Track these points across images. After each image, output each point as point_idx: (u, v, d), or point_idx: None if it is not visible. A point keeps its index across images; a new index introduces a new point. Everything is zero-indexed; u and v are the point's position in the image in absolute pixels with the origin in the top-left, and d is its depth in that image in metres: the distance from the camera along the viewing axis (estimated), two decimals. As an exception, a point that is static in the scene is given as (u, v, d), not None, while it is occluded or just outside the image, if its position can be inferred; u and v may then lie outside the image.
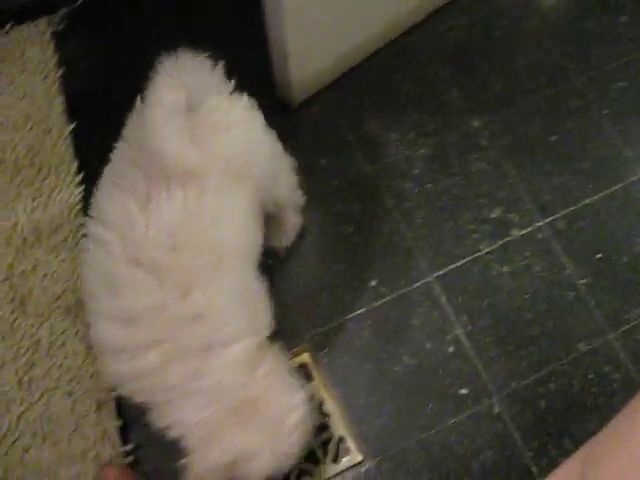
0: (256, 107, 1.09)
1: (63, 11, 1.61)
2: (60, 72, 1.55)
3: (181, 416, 0.95)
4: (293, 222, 1.35)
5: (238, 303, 0.98)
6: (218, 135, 1.00)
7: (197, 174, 0.96)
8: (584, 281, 1.36)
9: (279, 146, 1.13)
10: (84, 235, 1.04)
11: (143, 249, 0.94)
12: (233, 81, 1.07)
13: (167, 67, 1.01)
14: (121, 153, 1.05)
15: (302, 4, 1.27)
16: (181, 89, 0.98)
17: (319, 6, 1.32)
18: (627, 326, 1.32)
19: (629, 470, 0.64)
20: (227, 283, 0.96)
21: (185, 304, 0.94)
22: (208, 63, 1.05)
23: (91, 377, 1.27)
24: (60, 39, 1.60)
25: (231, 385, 0.95)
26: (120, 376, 0.99)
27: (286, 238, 1.36)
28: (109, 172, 1.05)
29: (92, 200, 1.04)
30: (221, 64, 1.06)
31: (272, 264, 1.24)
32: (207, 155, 0.97)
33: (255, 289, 1.03)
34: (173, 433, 0.96)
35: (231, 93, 1.06)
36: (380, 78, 1.56)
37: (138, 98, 1.05)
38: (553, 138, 1.50)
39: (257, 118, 1.09)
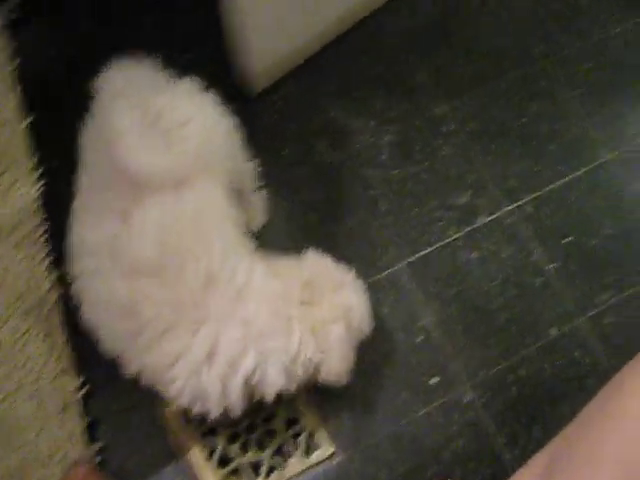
0: (203, 88, 1.08)
1: (16, 0, 1.56)
2: (15, 63, 1.50)
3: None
4: (257, 201, 1.34)
5: (234, 248, 1.02)
6: (177, 132, 1.00)
7: (171, 180, 0.97)
8: (553, 265, 1.35)
9: (231, 122, 1.12)
10: (71, 284, 1.04)
11: (133, 257, 0.95)
12: (177, 73, 1.08)
13: (112, 78, 1.03)
14: (83, 184, 1.05)
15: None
16: (131, 98, 0.99)
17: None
18: (596, 310, 1.32)
19: (587, 465, 0.66)
20: (217, 241, 0.99)
21: (188, 282, 0.96)
22: (150, 63, 1.07)
23: (55, 378, 1.24)
24: (14, 29, 1.54)
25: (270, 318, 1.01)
26: (192, 390, 1.00)
27: (256, 220, 1.35)
28: (78, 207, 1.04)
29: (65, 244, 1.04)
30: (159, 60, 1.07)
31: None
32: (173, 157, 0.98)
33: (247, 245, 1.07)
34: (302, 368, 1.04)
35: (176, 83, 1.07)
36: (344, 63, 1.53)
37: (88, 112, 1.05)
38: (521, 121, 1.48)
39: (207, 101, 1.08)
